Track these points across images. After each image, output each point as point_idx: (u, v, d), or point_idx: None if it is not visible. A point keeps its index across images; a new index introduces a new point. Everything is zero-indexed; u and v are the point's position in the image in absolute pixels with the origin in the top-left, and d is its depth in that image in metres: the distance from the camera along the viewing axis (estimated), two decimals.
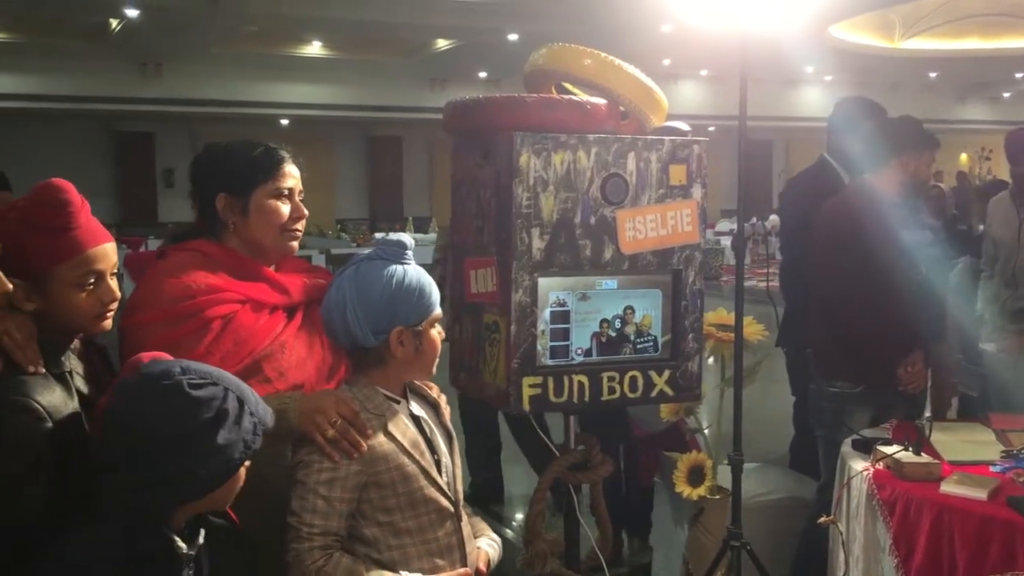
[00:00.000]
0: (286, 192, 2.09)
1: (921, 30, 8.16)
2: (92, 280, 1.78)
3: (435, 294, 1.96)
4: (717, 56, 13.73)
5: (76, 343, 1.84)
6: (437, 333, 1.97)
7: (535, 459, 3.78)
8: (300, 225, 2.13)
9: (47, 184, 1.76)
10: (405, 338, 1.92)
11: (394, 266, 1.94)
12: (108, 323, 1.85)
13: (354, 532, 1.88)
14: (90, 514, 1.56)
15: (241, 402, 1.56)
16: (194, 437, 1.52)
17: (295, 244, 2.14)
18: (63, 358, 1.79)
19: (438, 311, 1.96)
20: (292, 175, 2.11)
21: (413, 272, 1.95)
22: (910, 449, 2.69)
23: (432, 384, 2.14)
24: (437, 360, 1.99)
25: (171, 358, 1.74)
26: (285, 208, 2.08)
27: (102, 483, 1.56)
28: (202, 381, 1.55)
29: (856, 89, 19.12)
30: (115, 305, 1.85)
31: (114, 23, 13.63)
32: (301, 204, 2.13)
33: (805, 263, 3.46)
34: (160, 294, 1.97)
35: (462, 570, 1.96)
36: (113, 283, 1.83)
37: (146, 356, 1.73)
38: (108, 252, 1.82)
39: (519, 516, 4.81)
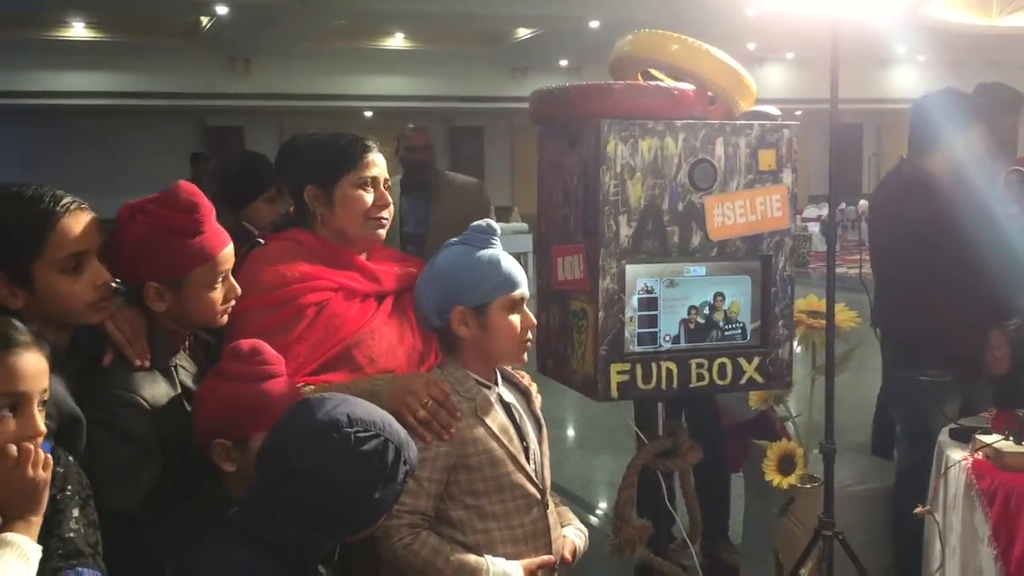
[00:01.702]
0: (370, 181, 2.11)
1: (1021, 5, 7.85)
2: (220, 280, 1.86)
3: (510, 277, 1.97)
4: (804, 38, 13.44)
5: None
6: (513, 317, 1.97)
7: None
8: (386, 213, 2.15)
9: (177, 188, 1.81)
10: (468, 319, 1.95)
11: (471, 249, 1.97)
12: (227, 317, 1.92)
13: (441, 514, 1.91)
14: (225, 533, 1.57)
15: (398, 451, 1.57)
16: (355, 492, 1.54)
17: (381, 232, 2.16)
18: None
19: (514, 293, 1.97)
20: (376, 164, 2.13)
21: (486, 254, 1.97)
22: (1011, 438, 2.62)
23: (524, 372, 2.17)
24: (521, 345, 2.00)
25: (272, 352, 1.79)
26: (369, 196, 2.11)
27: (248, 506, 1.58)
28: (367, 434, 1.55)
29: (951, 69, 18.51)
30: (234, 301, 1.92)
31: (205, 20, 13.99)
32: (386, 193, 2.15)
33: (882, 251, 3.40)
34: (257, 282, 2.02)
35: (546, 557, 1.98)
36: (233, 280, 1.91)
37: (245, 344, 1.79)
38: (231, 254, 1.89)
39: (603, 505, 4.82)
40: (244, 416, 1.74)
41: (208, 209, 1.84)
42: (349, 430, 1.54)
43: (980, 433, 2.72)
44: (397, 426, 1.61)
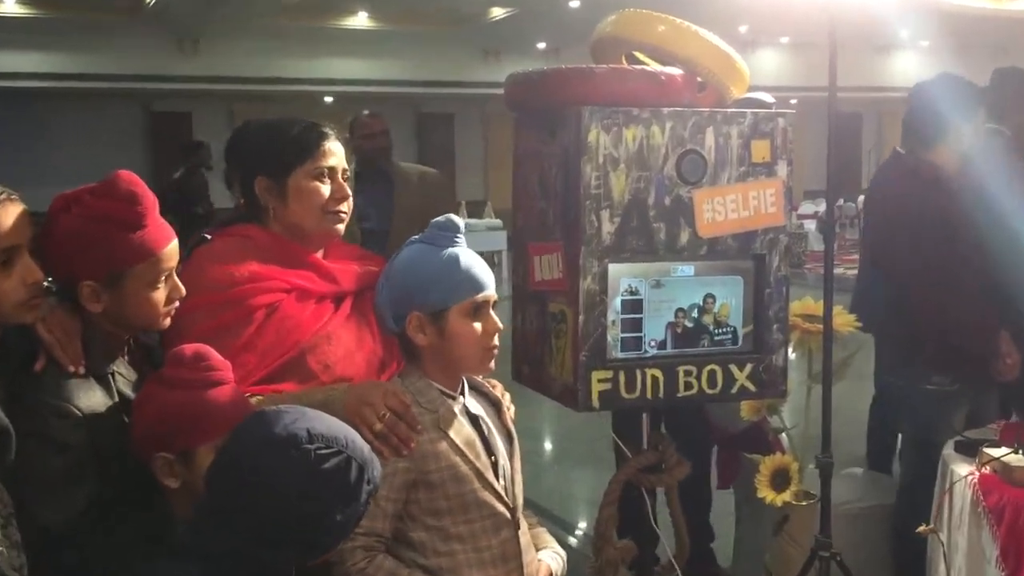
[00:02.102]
0: (327, 172, 2.11)
1: None
2: (164, 279, 1.84)
3: (471, 278, 1.97)
4: (799, 21, 13.53)
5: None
6: (475, 323, 1.97)
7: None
8: (344, 206, 2.14)
9: (116, 177, 1.80)
10: (424, 325, 1.95)
11: (431, 248, 1.97)
12: (169, 320, 1.90)
13: (400, 535, 1.91)
14: (173, 551, 1.57)
15: (361, 469, 1.57)
16: (315, 513, 1.53)
17: (340, 227, 2.15)
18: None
19: (476, 297, 1.97)
20: (334, 153, 2.13)
21: (446, 253, 1.96)
22: (1020, 452, 2.65)
23: (495, 381, 2.16)
24: (485, 352, 2.00)
25: (218, 357, 1.78)
26: (326, 188, 2.10)
27: (198, 522, 1.57)
28: (328, 451, 1.54)
29: (956, 55, 18.71)
30: (179, 302, 1.90)
31: None
32: (345, 184, 2.15)
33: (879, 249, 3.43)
34: (203, 281, 2.01)
35: None
36: (177, 279, 1.89)
37: (189, 348, 1.78)
38: (176, 249, 1.88)
39: (583, 524, 4.83)
40: (187, 426, 1.72)
41: (151, 200, 1.82)
42: (309, 446, 1.53)
43: (987, 446, 2.74)
44: (360, 442, 1.61)
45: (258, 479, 1.52)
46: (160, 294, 1.84)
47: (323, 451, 1.54)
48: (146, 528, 1.72)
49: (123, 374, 1.88)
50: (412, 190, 4.71)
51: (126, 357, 1.93)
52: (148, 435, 1.75)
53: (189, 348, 1.78)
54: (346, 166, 2.17)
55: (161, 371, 1.80)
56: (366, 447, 1.62)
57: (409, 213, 4.24)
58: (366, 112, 4.84)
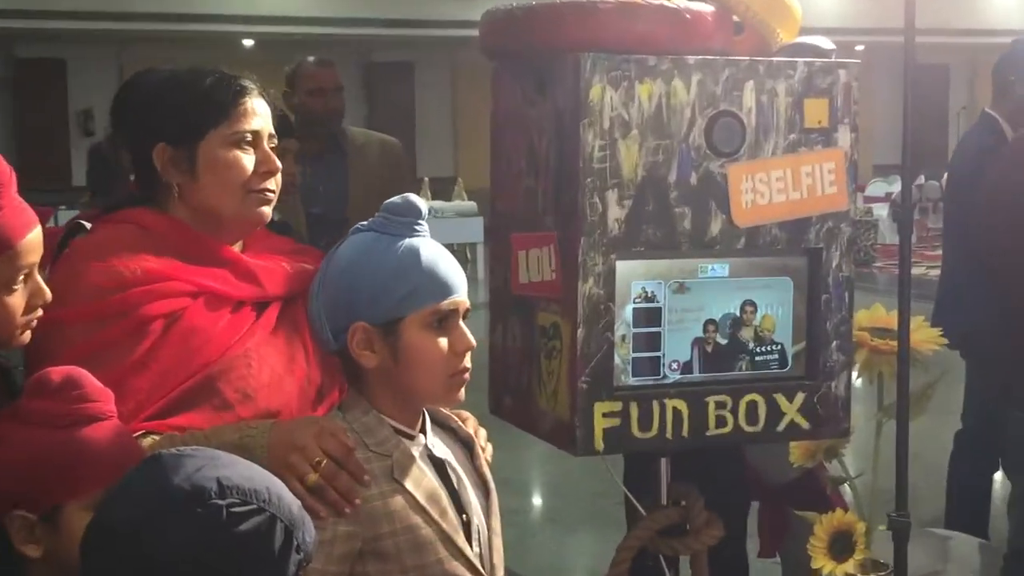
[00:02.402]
0: (249, 137, 2.12)
1: None
2: (22, 278, 1.83)
3: (435, 279, 1.97)
4: None
5: None
6: (439, 338, 1.97)
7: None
8: (272, 183, 2.15)
9: None
10: (372, 340, 1.95)
11: (384, 239, 1.97)
12: (29, 333, 1.89)
13: None
14: None
15: (288, 532, 1.57)
16: None
17: (266, 210, 2.17)
18: None
19: (441, 304, 1.97)
20: (257, 113, 2.14)
21: (403, 246, 1.96)
22: None
23: (465, 414, 2.16)
24: (452, 378, 2.00)
25: (96, 385, 1.77)
26: (248, 159, 2.11)
27: None
28: (245, 508, 1.54)
29: None
30: (42, 310, 1.90)
31: None
32: (272, 153, 2.15)
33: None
34: (80, 284, 2.01)
35: None
36: (41, 280, 1.88)
37: (57, 373, 1.77)
38: (39, 241, 1.87)
39: None
40: (53, 477, 1.72)
41: (5, 175, 1.81)
42: (219, 502, 1.53)
43: None
44: (288, 497, 1.61)
45: (151, 548, 1.51)
46: (16, 299, 1.83)
47: (238, 508, 1.53)
48: None
49: None
50: (372, 165, 4.69)
51: None
52: (2, 488, 1.74)
53: (56, 372, 1.78)
54: (273, 131, 2.17)
55: (20, 404, 1.79)
56: (296, 504, 1.62)
57: (369, 195, 4.22)
58: (312, 59, 4.78)
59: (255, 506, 1.55)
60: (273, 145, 2.17)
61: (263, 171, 2.13)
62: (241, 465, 1.61)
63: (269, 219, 2.19)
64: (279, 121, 3.72)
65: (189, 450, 1.63)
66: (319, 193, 4.52)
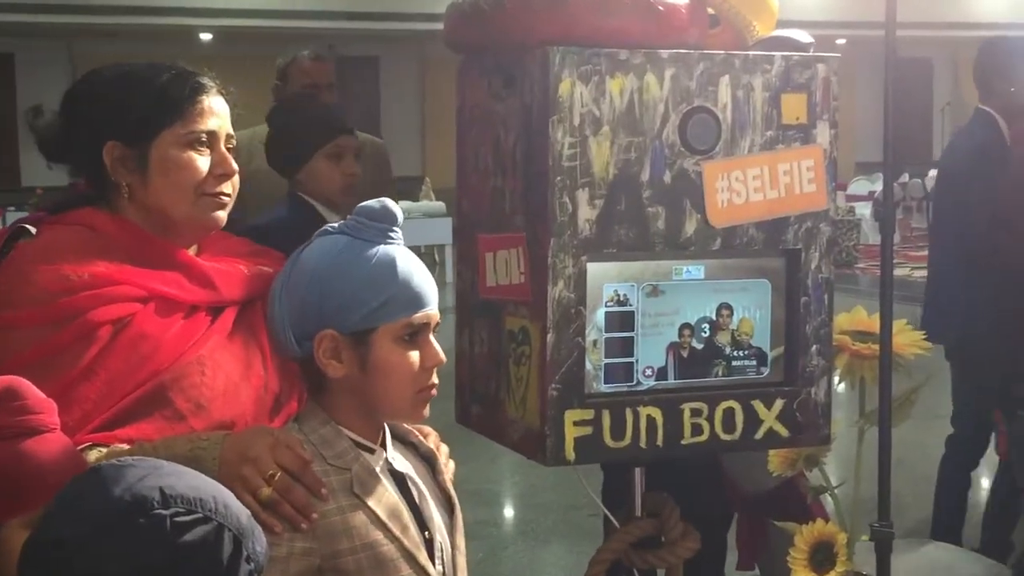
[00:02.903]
0: (204, 138, 2.11)
1: None
2: None
3: (410, 291, 1.97)
4: None
5: None
6: (410, 352, 1.97)
7: None
8: (228, 186, 2.15)
9: None
10: (341, 350, 1.94)
11: (356, 244, 1.96)
12: None
13: None
14: None
15: (237, 542, 1.56)
16: None
17: (221, 214, 2.16)
18: None
19: (414, 317, 1.97)
20: (215, 112, 2.13)
21: (377, 253, 1.96)
22: None
23: (427, 429, 2.16)
24: (419, 394, 1.99)
25: (37, 395, 1.76)
26: (203, 161, 2.11)
27: None
28: (190, 517, 1.53)
29: None
30: None
31: None
32: (229, 155, 2.14)
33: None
34: (26, 287, 2.00)
35: None
36: None
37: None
38: None
39: None
40: None
41: None
42: (163, 512, 1.52)
43: None
44: (237, 507, 1.60)
45: (91, 564, 1.50)
46: None
47: (183, 517, 1.53)
48: None
49: None
50: (366, 167, 4.70)
51: None
52: None
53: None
54: (231, 131, 2.16)
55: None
56: (244, 513, 1.61)
57: (363, 198, 4.21)
58: (307, 53, 4.75)
59: (200, 515, 1.54)
60: (231, 146, 2.16)
61: (218, 173, 2.12)
62: (187, 475, 1.60)
63: (223, 223, 2.17)
64: (336, 116, 3.81)
65: (131, 460, 1.62)
66: None
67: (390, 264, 1.97)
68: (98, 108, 2.13)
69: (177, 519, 1.52)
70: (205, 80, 2.14)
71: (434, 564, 1.99)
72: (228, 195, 2.16)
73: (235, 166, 2.15)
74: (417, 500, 2.02)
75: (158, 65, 2.16)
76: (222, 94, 2.17)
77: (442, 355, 2.02)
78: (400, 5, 18.29)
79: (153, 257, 2.10)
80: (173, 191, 2.10)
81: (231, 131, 2.17)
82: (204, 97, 2.12)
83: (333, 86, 4.70)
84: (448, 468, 2.14)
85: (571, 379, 2.16)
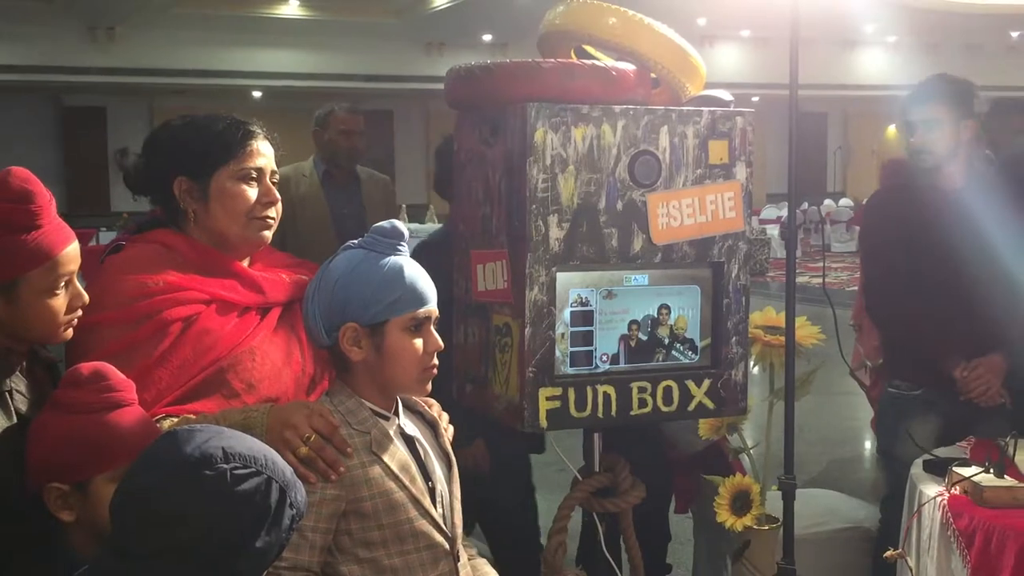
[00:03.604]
0: (254, 174, 2.10)
1: None
2: (63, 284, 1.81)
3: (414, 291, 1.96)
4: (760, 14, 13.71)
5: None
6: (415, 339, 1.97)
7: None
8: (272, 212, 2.13)
9: (8, 174, 1.76)
10: (360, 338, 1.94)
11: (372, 255, 1.96)
12: (71, 331, 1.87)
13: (329, 569, 1.89)
14: None
15: (283, 492, 1.55)
16: (232, 540, 1.50)
17: (267, 234, 2.14)
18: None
19: (418, 312, 1.96)
20: (262, 153, 2.12)
21: (388, 262, 1.96)
22: (991, 471, 2.69)
23: (432, 400, 2.15)
24: (423, 373, 1.99)
25: (120, 377, 1.75)
26: (252, 192, 2.09)
27: (103, 563, 1.54)
28: (245, 471, 1.52)
29: (924, 52, 19.07)
30: (81, 311, 1.87)
31: None
32: (274, 187, 2.14)
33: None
34: (114, 292, 1.98)
35: None
36: (80, 286, 1.86)
37: (86, 367, 1.75)
38: (76, 253, 1.84)
39: None
40: (84, 455, 1.69)
41: (46, 199, 1.79)
42: (224, 466, 1.51)
43: (957, 465, 2.78)
44: (282, 463, 1.59)
45: (169, 506, 1.49)
46: (59, 302, 1.81)
47: (240, 471, 1.52)
48: (42, 571, 1.67)
49: (21, 392, 1.84)
50: (375, 194, 4.71)
51: (24, 373, 1.89)
52: (42, 464, 1.71)
53: (86, 367, 1.75)
54: (275, 167, 2.15)
55: (56, 393, 1.76)
56: (288, 469, 1.61)
57: (374, 218, 4.20)
58: (345, 105, 4.75)
59: (254, 469, 1.53)
60: (275, 180, 2.15)
61: (265, 201, 2.11)
62: (243, 438, 1.59)
63: (269, 241, 2.16)
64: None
65: (198, 426, 1.61)
66: (344, 215, 4.51)
67: (399, 271, 1.96)
68: (170, 151, 2.12)
69: (236, 472, 1.51)
70: (254, 127, 2.13)
71: (435, 507, 1.98)
72: (272, 219, 2.14)
73: (278, 196, 2.14)
74: (423, 457, 2.01)
75: (216, 116, 2.14)
76: (268, 139, 2.16)
77: (440, 342, 2.01)
78: (409, 69, 18.23)
79: (214, 268, 2.08)
80: (229, 216, 2.08)
81: (275, 168, 2.16)
82: (253, 141, 2.11)
83: (364, 134, 4.69)
84: (448, 432, 2.13)
85: (544, 363, 2.16)
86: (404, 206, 18.00)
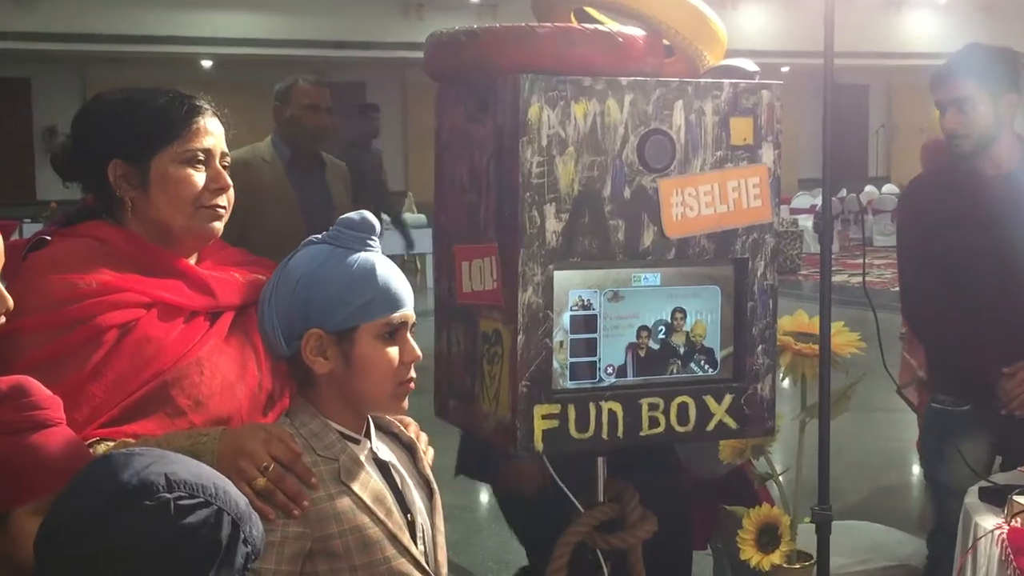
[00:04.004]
0: (200, 156, 2.10)
1: None
2: None
3: (388, 293, 1.96)
4: None
5: None
6: (390, 348, 1.97)
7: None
8: (223, 199, 2.14)
9: None
10: (327, 347, 1.93)
11: (338, 251, 1.96)
12: None
13: None
14: None
15: (236, 525, 1.56)
16: None
17: (217, 225, 2.14)
18: None
19: (393, 316, 1.96)
20: (210, 132, 2.12)
21: (358, 259, 1.96)
22: None
23: (408, 419, 2.15)
24: (398, 387, 1.99)
25: (44, 392, 1.75)
26: (199, 177, 2.09)
27: None
28: (192, 501, 1.52)
29: (980, 14, 19.14)
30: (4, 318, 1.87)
31: None
32: (224, 171, 2.14)
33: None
34: (38, 294, 1.98)
35: None
36: (3, 288, 1.85)
37: (5, 382, 1.74)
38: (0, 249, 1.84)
39: None
40: (1, 483, 1.69)
41: None
42: (167, 495, 1.51)
43: (1018, 493, 2.79)
44: (235, 493, 1.59)
45: (102, 541, 1.49)
46: None
47: (185, 501, 1.52)
48: None
49: None
50: (337, 181, 4.70)
51: None
52: None
53: (5, 381, 1.75)
54: (225, 149, 2.16)
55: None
56: (242, 499, 1.61)
57: (340, 208, 4.17)
58: (308, 77, 4.72)
59: (202, 499, 1.54)
60: (226, 164, 2.15)
61: (214, 188, 2.11)
62: (190, 463, 1.60)
63: (220, 233, 2.16)
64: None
65: (138, 450, 1.62)
66: (312, 203, 4.48)
67: (370, 269, 1.96)
68: (102, 130, 2.12)
69: (180, 502, 1.52)
70: (201, 102, 2.14)
71: (416, 544, 1.98)
72: (223, 207, 2.14)
73: (229, 181, 2.15)
74: (400, 486, 2.01)
75: (158, 90, 2.15)
76: (217, 115, 2.16)
77: (418, 351, 2.01)
78: (383, 34, 18.24)
79: (156, 266, 2.08)
80: (172, 205, 2.09)
81: (225, 149, 2.16)
82: (199, 118, 2.11)
83: (331, 109, 4.68)
84: (428, 455, 2.13)
85: (539, 376, 2.15)
86: (410, 194, 18.00)
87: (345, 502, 1.91)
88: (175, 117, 2.09)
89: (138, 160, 2.08)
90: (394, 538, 1.94)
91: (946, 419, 3.32)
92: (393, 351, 1.97)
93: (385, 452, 2.04)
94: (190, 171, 2.09)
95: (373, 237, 2.00)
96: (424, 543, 2.01)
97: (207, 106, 2.14)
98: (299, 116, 4.57)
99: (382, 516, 1.94)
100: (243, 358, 2.11)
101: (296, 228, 4.19)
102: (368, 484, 1.95)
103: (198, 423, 1.98)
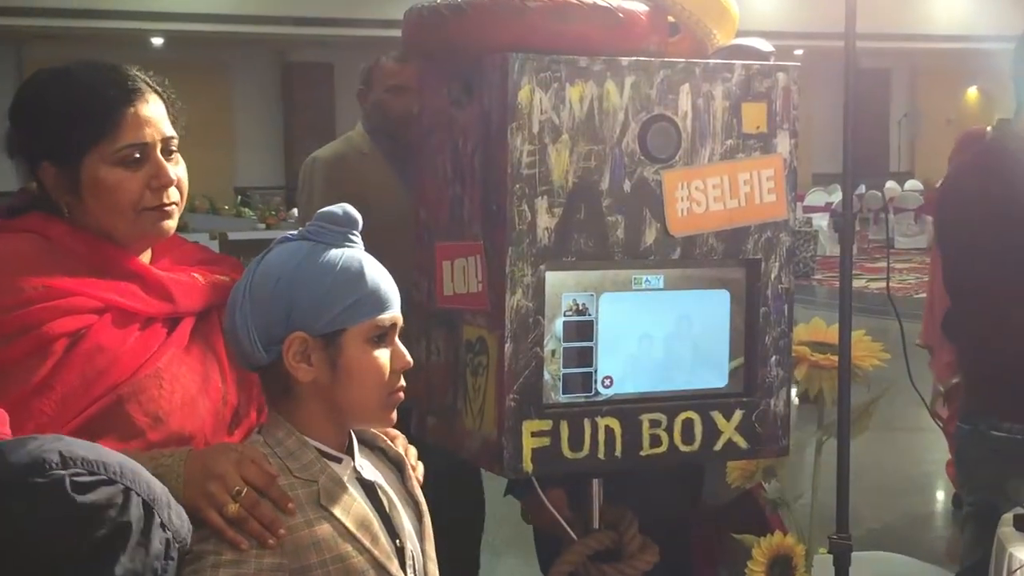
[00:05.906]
0: (136, 154, 2.02)
1: None
2: None
3: (377, 292, 1.96)
4: None
5: None
6: (379, 352, 1.96)
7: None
8: (170, 194, 2.07)
9: None
10: (312, 352, 1.93)
11: (319, 247, 1.96)
12: None
13: None
14: None
15: (149, 509, 1.56)
16: (78, 563, 1.50)
17: (168, 224, 2.08)
18: None
19: (382, 317, 1.96)
20: (145, 120, 2.03)
21: (341, 256, 1.95)
22: None
23: (394, 432, 2.15)
24: (389, 396, 1.99)
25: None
26: (135, 179, 2.02)
27: None
28: (91, 478, 1.52)
29: None
30: None
31: None
32: (166, 162, 2.06)
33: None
34: None
35: None
36: None
37: None
38: None
39: None
40: None
41: None
42: (61, 472, 1.51)
43: None
44: (148, 476, 1.59)
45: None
46: None
47: (84, 478, 1.52)
48: None
49: None
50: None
51: None
52: None
53: None
54: (170, 132, 2.07)
55: None
56: (158, 484, 1.60)
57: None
58: (392, 54, 4.57)
59: (104, 476, 1.54)
60: (173, 148, 2.08)
61: (155, 186, 2.03)
62: (93, 445, 1.60)
63: (172, 232, 2.12)
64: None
65: (34, 436, 1.62)
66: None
67: (357, 267, 1.96)
68: (29, 126, 2.05)
69: (77, 479, 1.51)
70: (132, 84, 2.04)
71: (406, 573, 1.98)
72: (173, 203, 2.07)
73: (173, 174, 2.05)
74: (387, 508, 2.00)
75: (94, 68, 2.07)
76: (155, 91, 2.07)
77: (408, 357, 2.01)
78: (353, 10, 18.23)
79: (109, 266, 2.05)
80: (109, 213, 2.02)
81: (169, 132, 2.06)
82: (128, 108, 2.02)
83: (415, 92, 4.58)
84: (417, 471, 2.13)
85: (529, 389, 2.16)
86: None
87: (325, 529, 1.90)
88: (100, 111, 2.01)
89: (66, 163, 2.02)
90: (382, 568, 1.93)
91: (1015, 450, 3.28)
92: (384, 356, 1.97)
93: (370, 471, 2.02)
94: (124, 173, 2.01)
95: (355, 232, 2.00)
96: (415, 571, 2.00)
97: (140, 86, 2.05)
98: (383, 100, 4.45)
99: (367, 544, 1.93)
100: (205, 369, 2.09)
101: (407, 231, 4.07)
102: (351, 508, 1.94)
103: (157, 442, 1.97)
